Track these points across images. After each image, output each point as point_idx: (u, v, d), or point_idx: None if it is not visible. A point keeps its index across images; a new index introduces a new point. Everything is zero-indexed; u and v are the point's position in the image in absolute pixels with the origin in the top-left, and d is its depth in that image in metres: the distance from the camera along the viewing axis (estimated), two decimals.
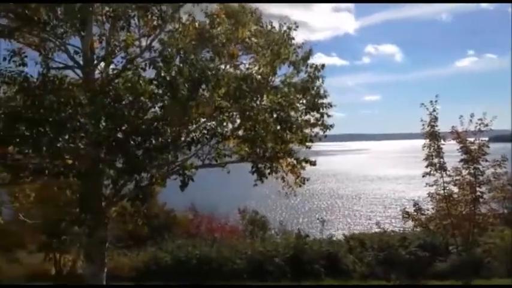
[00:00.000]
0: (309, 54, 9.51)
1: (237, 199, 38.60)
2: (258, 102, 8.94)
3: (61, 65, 8.34)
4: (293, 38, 9.00)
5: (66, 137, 7.11)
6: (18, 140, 6.78)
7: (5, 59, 7.32)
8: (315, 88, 9.46)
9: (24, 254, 20.21)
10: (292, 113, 9.27)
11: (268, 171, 9.36)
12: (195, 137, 9.01)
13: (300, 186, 10.29)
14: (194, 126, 9.11)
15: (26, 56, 7.38)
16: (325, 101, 9.67)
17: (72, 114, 7.14)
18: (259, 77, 8.80)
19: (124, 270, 17.07)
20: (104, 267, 9.18)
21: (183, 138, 8.72)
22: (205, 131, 9.36)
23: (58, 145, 6.97)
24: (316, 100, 9.48)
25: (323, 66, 9.53)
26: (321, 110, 9.56)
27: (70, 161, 7.28)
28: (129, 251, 18.89)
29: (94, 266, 9.07)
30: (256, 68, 8.80)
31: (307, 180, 10.26)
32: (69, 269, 16.40)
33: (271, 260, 17.43)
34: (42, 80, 7.31)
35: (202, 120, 9.25)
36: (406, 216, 14.60)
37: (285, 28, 8.95)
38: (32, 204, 13.52)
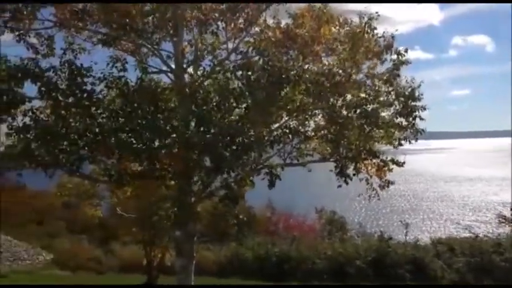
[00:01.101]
0: (392, 42, 9.07)
1: (314, 198, 38.26)
2: (340, 100, 8.79)
3: (155, 70, 8.90)
4: (375, 28, 8.66)
5: (160, 140, 7.57)
6: (120, 144, 7.35)
7: (107, 64, 8.00)
8: (409, 90, 9.02)
9: (118, 245, 22.03)
10: (379, 109, 8.93)
11: (353, 172, 9.12)
12: (277, 136, 9.11)
13: (384, 189, 9.89)
14: (276, 125, 9.21)
15: (126, 62, 8.02)
16: (418, 103, 9.12)
17: (166, 118, 7.58)
18: (341, 71, 8.63)
19: (208, 263, 17.83)
20: (193, 260, 9.63)
21: (266, 138, 8.86)
22: (287, 130, 9.44)
23: (154, 148, 7.46)
24: (409, 102, 9.02)
25: (406, 50, 9.03)
26: (415, 113, 9.06)
27: (166, 163, 7.73)
28: (212, 246, 19.68)
29: (183, 258, 9.53)
30: (337, 62, 8.63)
31: (392, 183, 9.81)
32: (159, 261, 17.44)
33: (352, 262, 17.10)
34: (139, 84, 7.87)
35: (284, 119, 9.34)
36: (503, 220, 13.43)
37: (365, 19, 8.65)
38: (128, 200, 14.70)
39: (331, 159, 9.55)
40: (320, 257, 17.49)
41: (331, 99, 8.63)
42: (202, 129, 7.96)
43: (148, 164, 7.58)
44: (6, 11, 7.29)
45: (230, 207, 8.43)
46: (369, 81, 9.01)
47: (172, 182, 8.53)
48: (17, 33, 7.97)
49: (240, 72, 7.54)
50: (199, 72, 8.74)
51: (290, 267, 17.38)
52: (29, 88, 7.54)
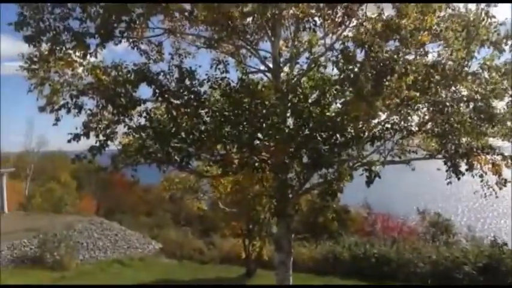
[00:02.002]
0: None
1: (414, 198, 36.19)
2: (450, 92, 8.18)
3: (254, 70, 9.19)
4: (493, 16, 7.87)
5: (261, 134, 7.81)
6: (224, 138, 7.75)
7: (211, 66, 8.47)
8: None
9: (218, 238, 23.18)
10: (494, 103, 8.14)
11: (466, 167, 8.44)
12: (377, 132, 8.79)
13: (501, 188, 8.97)
14: (376, 121, 8.89)
15: (228, 64, 8.42)
16: None
17: (266, 114, 7.79)
18: (452, 63, 8.02)
19: (304, 260, 17.89)
20: (291, 256, 9.75)
21: (365, 134, 8.61)
22: (389, 126, 9.06)
23: (255, 142, 7.73)
24: None
25: None
26: None
27: (265, 156, 7.96)
28: (307, 243, 19.69)
29: (282, 253, 9.68)
30: (448, 53, 8.02)
31: (510, 182, 8.85)
32: (257, 255, 17.98)
33: (459, 268, 15.84)
34: (240, 84, 8.19)
35: (385, 114, 8.97)
36: None
37: (482, 6, 7.90)
38: (228, 194, 15.44)
39: (438, 156, 8.95)
40: (424, 261, 16.50)
41: (440, 93, 8.06)
42: (299, 124, 8.03)
43: (249, 155, 7.85)
44: (122, 21, 8.09)
45: (328, 202, 8.35)
46: (485, 74, 8.23)
47: (272, 175, 8.73)
48: (131, 41, 8.78)
49: (340, 66, 7.40)
50: (296, 70, 8.81)
51: (390, 269, 16.68)
52: (143, 91, 8.28)
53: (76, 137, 7.88)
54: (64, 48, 7.71)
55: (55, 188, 31.61)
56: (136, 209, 33.46)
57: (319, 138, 7.85)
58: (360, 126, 8.33)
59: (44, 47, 7.92)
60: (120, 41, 8.37)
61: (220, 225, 20.88)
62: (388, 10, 7.67)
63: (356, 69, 7.55)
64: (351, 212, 23.80)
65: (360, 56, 7.73)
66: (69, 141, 7.90)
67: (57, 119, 8.38)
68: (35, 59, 8.26)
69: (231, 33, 8.39)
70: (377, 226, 24.24)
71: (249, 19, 8.81)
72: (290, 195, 9.04)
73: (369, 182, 7.82)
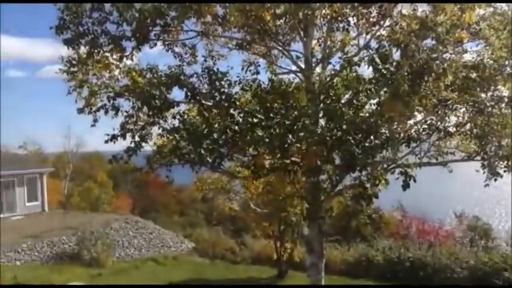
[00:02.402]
0: None
1: (449, 202, 34.96)
2: (490, 92, 7.87)
3: (285, 70, 9.17)
4: None
5: (293, 137, 7.76)
6: (255, 141, 7.75)
7: (242, 68, 8.51)
8: None
9: (249, 238, 23.26)
10: None
11: (505, 169, 8.11)
12: (413, 133, 8.57)
13: None
14: (412, 121, 8.67)
15: (259, 65, 8.44)
16: None
17: (298, 115, 7.74)
18: (492, 62, 7.71)
19: (336, 262, 17.68)
20: (323, 258, 9.63)
21: (401, 135, 8.41)
22: (426, 126, 8.81)
23: (286, 145, 7.70)
24: None
25: None
26: None
27: (297, 158, 7.91)
28: (339, 245, 19.45)
29: (313, 255, 9.60)
30: (489, 52, 7.72)
31: None
32: (288, 256, 17.93)
33: (498, 273, 15.24)
34: (271, 85, 8.18)
35: (421, 115, 8.73)
36: None
37: None
38: (259, 195, 15.48)
39: (477, 158, 8.64)
40: (462, 266, 15.96)
41: (480, 94, 7.77)
42: (332, 125, 7.93)
43: (280, 158, 7.82)
44: (157, 25, 8.25)
45: (362, 206, 8.20)
46: None
47: (303, 178, 8.66)
48: (165, 43, 8.96)
49: (375, 65, 7.25)
50: (328, 71, 8.72)
51: (426, 274, 16.24)
52: (177, 93, 8.43)
53: (113, 138, 8.10)
54: (102, 51, 7.97)
55: (92, 187, 32.68)
56: (170, 208, 34.12)
57: (352, 140, 7.72)
58: (395, 127, 8.15)
59: (83, 50, 8.23)
60: (155, 44, 8.55)
61: (252, 225, 20.93)
62: (423, 6, 7.47)
63: (392, 69, 7.39)
64: (384, 215, 23.30)
65: (395, 55, 7.58)
66: (106, 142, 8.14)
67: (95, 120, 8.66)
68: (74, 62, 8.58)
69: (263, 35, 8.40)
70: (412, 230, 23.65)
71: (281, 20, 8.79)
72: (322, 198, 8.95)
73: (405, 186, 7.59)
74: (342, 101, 8.14)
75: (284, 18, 8.64)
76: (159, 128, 8.52)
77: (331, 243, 18.89)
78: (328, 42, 9.10)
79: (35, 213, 24.69)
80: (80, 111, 8.83)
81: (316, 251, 9.51)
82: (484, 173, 8.30)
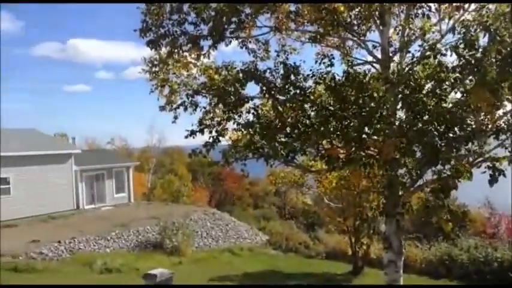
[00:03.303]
0: None
1: None
2: None
3: (360, 61, 8.90)
4: None
5: (369, 128, 7.55)
6: (329, 133, 7.67)
7: (316, 61, 8.42)
8: None
9: (323, 233, 23.11)
10: None
11: None
12: (503, 124, 7.88)
13: None
14: (502, 111, 7.98)
15: (333, 58, 8.29)
16: None
17: (375, 107, 7.50)
18: None
19: (416, 260, 16.95)
20: (402, 256, 9.26)
21: (489, 126, 7.79)
22: None
23: (363, 136, 7.50)
24: None
25: None
26: None
27: (374, 151, 7.68)
28: (420, 243, 18.60)
29: (391, 253, 9.27)
30: None
31: None
32: (364, 252, 17.50)
33: None
34: (346, 77, 8.00)
35: (511, 105, 7.99)
36: None
37: None
38: (333, 190, 15.30)
39: None
40: None
41: None
42: (412, 117, 7.56)
43: (356, 150, 7.65)
44: (232, 22, 8.46)
45: (442, 199, 7.71)
46: None
47: (380, 171, 8.37)
48: (240, 40, 9.16)
49: (459, 52, 6.77)
50: (407, 59, 8.32)
51: None
52: (251, 88, 8.60)
53: (192, 134, 8.48)
54: (181, 51, 8.37)
55: (173, 180, 34.60)
56: (244, 201, 35.01)
57: (434, 131, 7.30)
58: (482, 117, 7.56)
59: (163, 50, 8.71)
60: (230, 42, 8.78)
61: (325, 220, 20.76)
62: None
63: (478, 55, 6.86)
64: (469, 212, 21.78)
65: (482, 40, 7.02)
66: (186, 137, 8.54)
67: (175, 117, 9.13)
68: (155, 62, 9.11)
69: (337, 26, 8.23)
70: (501, 228, 21.95)
71: (356, 10, 8.55)
72: (400, 193, 8.60)
73: (493, 180, 7.05)
74: (424, 91, 7.74)
75: (359, 8, 8.39)
76: (234, 123, 8.76)
77: (410, 241, 18.12)
78: (407, 30, 8.68)
79: (122, 203, 26.75)
80: (162, 108, 9.36)
81: (394, 248, 9.17)
82: None
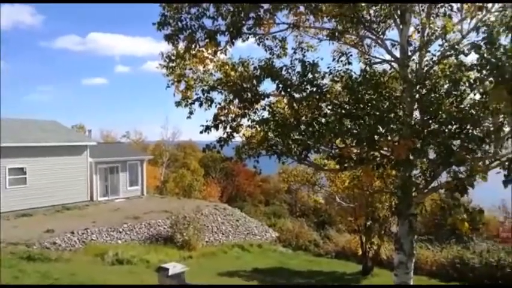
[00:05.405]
0: None
1: None
2: None
3: (378, 60, 8.80)
4: None
5: (383, 128, 7.47)
6: (343, 132, 7.61)
7: (333, 59, 8.37)
8: None
9: (333, 232, 23.02)
10: None
11: None
12: None
13: None
14: None
15: (351, 55, 8.21)
16: None
17: (390, 106, 7.43)
18: None
19: (426, 263, 16.79)
20: (413, 257, 9.18)
21: (507, 128, 7.65)
22: None
23: (376, 136, 7.43)
24: None
25: None
26: None
27: (386, 152, 7.61)
28: (431, 245, 18.42)
29: (402, 254, 9.19)
30: None
31: None
32: (374, 253, 17.40)
33: None
34: (363, 76, 7.94)
35: None
36: None
37: None
38: (345, 189, 15.22)
39: None
40: None
41: None
42: (426, 117, 7.47)
43: (369, 150, 7.59)
44: (249, 18, 8.44)
45: (458, 199, 7.59)
46: None
47: (393, 172, 8.30)
48: (257, 37, 9.14)
49: (481, 51, 6.65)
50: (427, 58, 8.21)
51: None
52: (266, 85, 8.60)
53: (207, 129, 8.52)
54: (198, 46, 8.39)
55: (186, 174, 34.81)
56: (255, 197, 35.08)
57: (448, 132, 7.21)
58: (501, 119, 7.43)
59: (181, 45, 8.73)
60: (248, 38, 8.76)
61: (336, 219, 20.69)
62: None
63: (498, 54, 6.73)
64: (484, 214, 21.50)
65: (504, 40, 6.90)
66: (201, 132, 8.58)
67: (191, 113, 9.16)
68: (173, 57, 9.14)
69: (357, 23, 8.16)
70: None
71: (376, 7, 8.46)
72: (414, 194, 8.52)
73: (507, 182, 6.94)
74: (441, 91, 7.63)
75: (380, 5, 8.30)
76: (248, 120, 8.77)
77: (422, 243, 17.95)
78: (427, 30, 8.56)
79: (135, 196, 27.01)
80: (178, 104, 9.40)
81: (405, 250, 9.09)
82: None
